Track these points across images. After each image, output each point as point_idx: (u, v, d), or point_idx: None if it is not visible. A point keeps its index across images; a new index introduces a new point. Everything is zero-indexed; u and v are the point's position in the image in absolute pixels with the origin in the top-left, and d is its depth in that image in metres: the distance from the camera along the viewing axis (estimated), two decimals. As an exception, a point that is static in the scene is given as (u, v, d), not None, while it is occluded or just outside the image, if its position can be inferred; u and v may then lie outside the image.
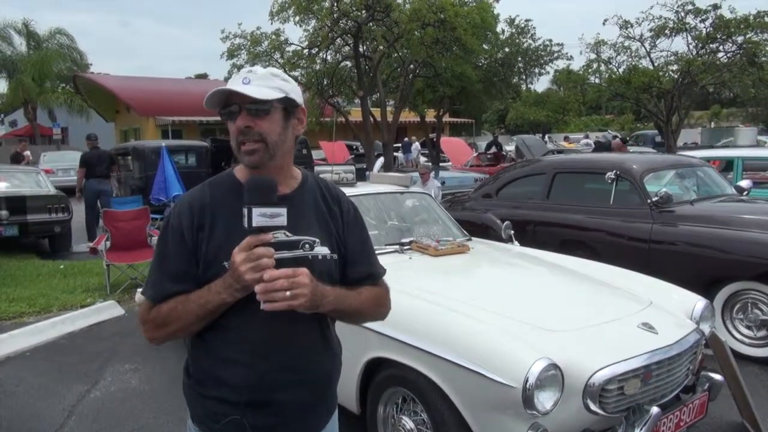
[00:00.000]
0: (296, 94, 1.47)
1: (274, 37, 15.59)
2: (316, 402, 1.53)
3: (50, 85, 26.43)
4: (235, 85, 1.39)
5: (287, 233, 1.38)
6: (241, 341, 1.41)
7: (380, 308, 1.63)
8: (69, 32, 26.47)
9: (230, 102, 1.42)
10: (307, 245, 1.43)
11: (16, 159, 13.10)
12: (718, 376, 2.89)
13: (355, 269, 1.56)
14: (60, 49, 25.64)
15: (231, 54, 15.81)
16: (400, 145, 22.10)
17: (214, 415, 1.44)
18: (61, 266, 7.65)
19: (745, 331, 4.30)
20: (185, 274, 1.42)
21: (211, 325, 1.42)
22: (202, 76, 44.71)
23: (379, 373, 2.80)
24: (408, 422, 2.68)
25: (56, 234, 8.80)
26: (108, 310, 5.78)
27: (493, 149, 19.23)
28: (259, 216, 1.27)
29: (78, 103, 26.09)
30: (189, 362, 1.53)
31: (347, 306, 1.48)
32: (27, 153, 13.25)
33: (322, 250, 1.46)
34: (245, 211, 1.27)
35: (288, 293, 1.29)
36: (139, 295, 6.01)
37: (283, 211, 1.29)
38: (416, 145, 22.64)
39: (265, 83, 1.41)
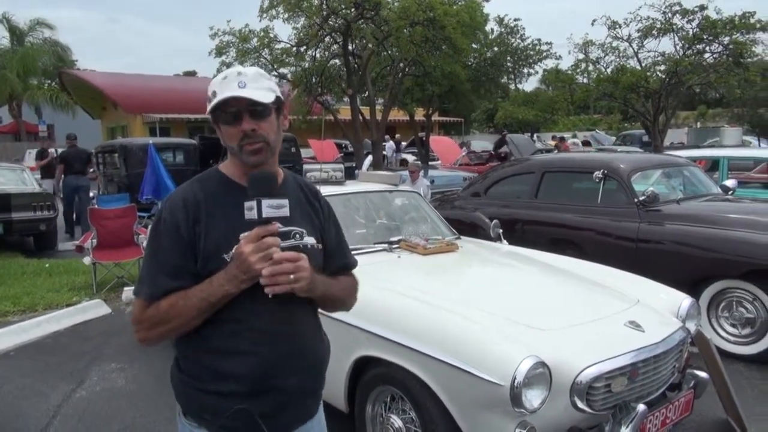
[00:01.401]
0: (280, 91, 1.53)
1: (262, 34, 15.51)
2: (313, 386, 1.59)
3: (36, 81, 26.07)
4: (234, 89, 1.42)
5: (279, 225, 1.41)
6: (245, 331, 1.43)
7: (351, 298, 1.71)
8: (50, 23, 26.09)
9: (227, 104, 1.44)
10: (297, 235, 1.47)
11: (42, 156, 13.05)
12: (703, 374, 2.92)
13: (333, 260, 1.65)
14: (44, 44, 25.30)
15: (219, 51, 15.70)
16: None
17: (215, 408, 1.45)
18: (47, 265, 7.57)
19: (731, 329, 4.34)
20: (182, 269, 1.42)
21: (209, 320, 1.43)
22: (191, 74, 44.35)
23: (368, 372, 2.79)
24: (396, 421, 2.68)
25: (41, 232, 8.74)
26: (94, 309, 5.72)
27: (504, 149, 18.61)
28: (267, 207, 1.33)
29: (64, 99, 25.75)
30: (180, 358, 1.53)
31: (332, 293, 1.57)
32: (52, 150, 13.21)
33: (310, 240, 1.51)
34: (253, 203, 1.33)
35: (291, 276, 1.36)
36: (126, 294, 5.96)
37: (286, 202, 1.36)
38: (390, 144, 20.74)
39: (260, 85, 1.45)
